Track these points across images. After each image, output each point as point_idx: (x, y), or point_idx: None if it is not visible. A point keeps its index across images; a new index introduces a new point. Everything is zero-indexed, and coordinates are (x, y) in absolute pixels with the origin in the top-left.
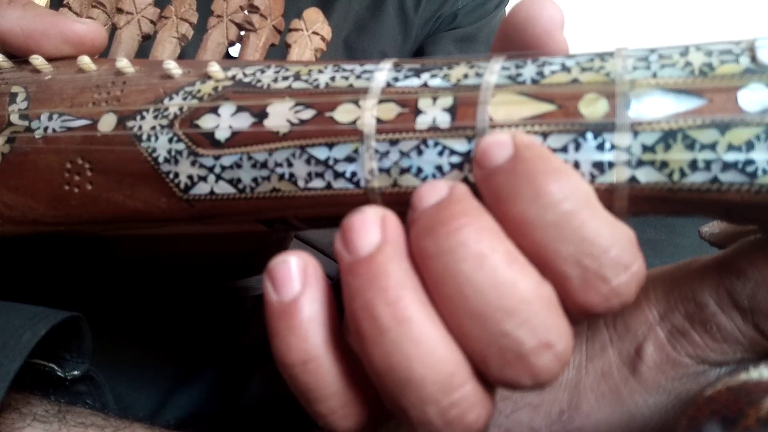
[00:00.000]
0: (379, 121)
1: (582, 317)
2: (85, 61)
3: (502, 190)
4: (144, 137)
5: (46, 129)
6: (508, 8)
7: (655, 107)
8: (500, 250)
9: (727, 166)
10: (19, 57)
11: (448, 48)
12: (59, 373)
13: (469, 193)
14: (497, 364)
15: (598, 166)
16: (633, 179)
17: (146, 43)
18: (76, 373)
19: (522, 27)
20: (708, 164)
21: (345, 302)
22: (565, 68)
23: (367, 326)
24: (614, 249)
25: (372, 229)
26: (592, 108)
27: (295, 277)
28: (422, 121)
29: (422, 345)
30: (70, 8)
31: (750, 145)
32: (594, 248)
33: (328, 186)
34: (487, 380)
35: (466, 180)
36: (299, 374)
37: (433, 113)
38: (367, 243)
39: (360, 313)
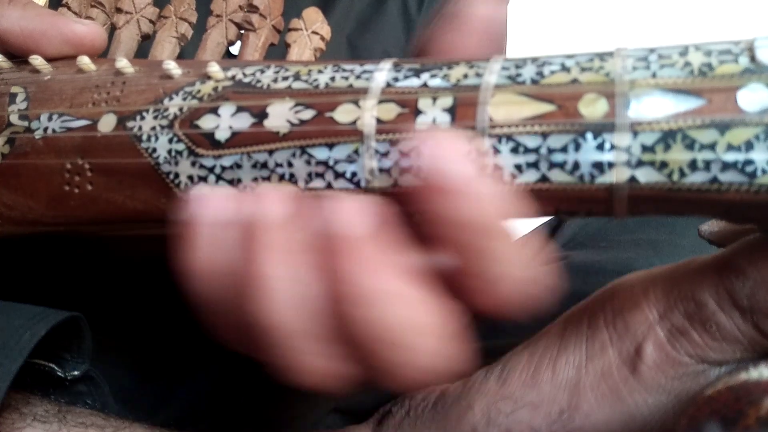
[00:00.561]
0: (379, 121)
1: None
2: (84, 61)
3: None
4: (144, 137)
5: (45, 129)
6: (509, 8)
7: (654, 107)
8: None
9: (726, 166)
10: (19, 57)
11: None
12: (59, 373)
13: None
14: None
15: (598, 166)
16: (633, 179)
17: (145, 43)
18: (76, 373)
19: None
20: (707, 164)
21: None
22: (564, 68)
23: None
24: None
25: None
26: (592, 108)
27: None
28: (422, 122)
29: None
30: (69, 8)
31: (749, 145)
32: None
33: (329, 186)
34: None
35: None
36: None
37: (433, 113)
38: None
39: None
